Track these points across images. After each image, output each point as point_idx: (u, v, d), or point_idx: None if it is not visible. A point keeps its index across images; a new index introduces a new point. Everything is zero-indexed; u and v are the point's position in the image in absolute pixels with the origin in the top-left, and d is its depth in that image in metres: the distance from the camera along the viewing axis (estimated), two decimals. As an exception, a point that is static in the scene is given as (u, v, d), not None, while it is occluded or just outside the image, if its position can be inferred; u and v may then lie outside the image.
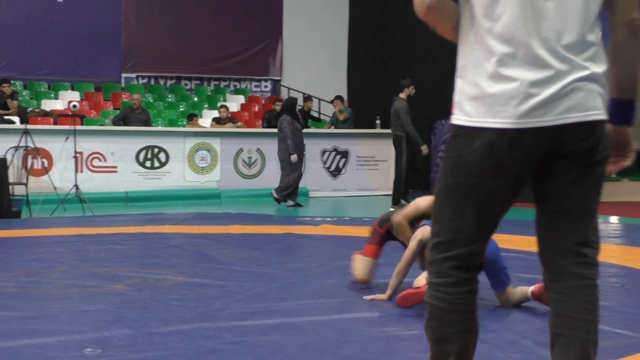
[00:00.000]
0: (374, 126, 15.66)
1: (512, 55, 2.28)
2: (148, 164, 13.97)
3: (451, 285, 2.42)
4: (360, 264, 5.35)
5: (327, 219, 10.38)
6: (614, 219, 11.38)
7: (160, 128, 15.37)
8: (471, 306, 2.45)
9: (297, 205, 12.78)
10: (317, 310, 4.70)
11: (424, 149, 12.42)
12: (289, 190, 12.77)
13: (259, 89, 19.66)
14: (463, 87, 2.38)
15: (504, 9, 2.30)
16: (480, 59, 2.33)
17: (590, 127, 2.32)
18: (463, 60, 2.40)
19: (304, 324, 4.34)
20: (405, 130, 12.23)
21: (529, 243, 7.74)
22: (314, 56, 19.53)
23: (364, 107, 17.37)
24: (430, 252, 2.48)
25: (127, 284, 5.51)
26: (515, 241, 7.64)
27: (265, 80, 19.70)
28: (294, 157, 12.51)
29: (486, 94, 2.31)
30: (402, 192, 12.42)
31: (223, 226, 9.28)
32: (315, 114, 18.58)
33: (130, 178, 13.79)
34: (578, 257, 2.42)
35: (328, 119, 17.21)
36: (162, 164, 14.09)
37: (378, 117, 15.98)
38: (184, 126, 15.58)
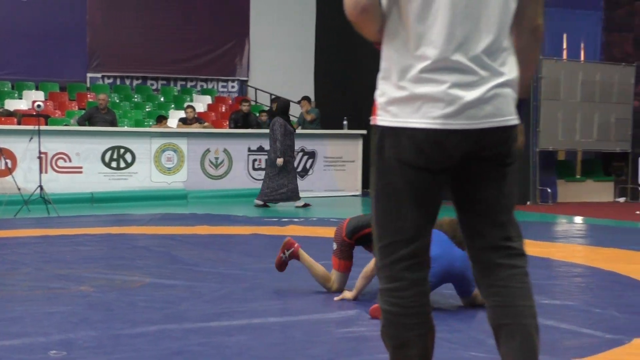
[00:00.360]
0: (341, 127, 15.68)
1: (440, 59, 2.34)
2: (114, 164, 13.87)
3: (404, 288, 2.44)
4: (336, 278, 5.29)
5: (294, 219, 10.39)
6: (578, 219, 11.52)
7: (126, 128, 15.27)
8: (426, 307, 2.48)
9: (306, 205, 12.72)
10: (284, 311, 4.71)
11: None
12: (275, 196, 12.57)
13: (225, 90, 19.62)
14: (388, 90, 2.41)
15: (436, 15, 2.35)
16: (409, 63, 2.37)
17: (507, 132, 2.44)
18: (388, 63, 2.43)
19: (271, 325, 4.34)
20: None
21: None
22: (281, 56, 19.53)
23: (331, 107, 17.38)
24: (377, 257, 2.50)
25: (93, 286, 5.47)
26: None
27: (232, 81, 19.67)
28: (279, 161, 12.33)
29: (413, 95, 2.36)
30: None
31: (190, 227, 9.25)
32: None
33: (96, 179, 13.67)
34: (504, 250, 2.50)
35: (295, 119, 17.22)
36: (128, 165, 13.99)
37: (345, 117, 16.00)
38: (150, 126, 15.49)
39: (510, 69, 2.44)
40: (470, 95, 2.35)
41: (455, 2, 2.35)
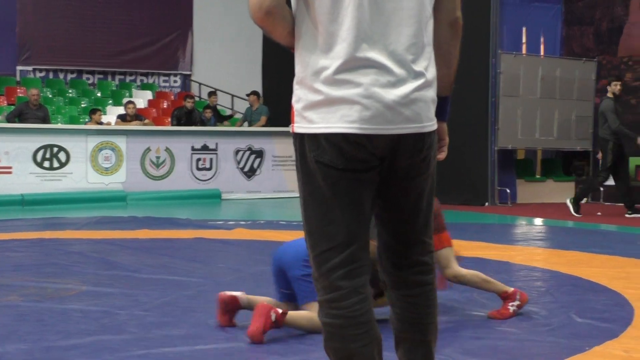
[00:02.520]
0: (288, 124, 15.68)
1: (353, 58, 2.35)
2: (47, 164, 13.69)
3: (343, 298, 2.43)
4: None
5: (241, 222, 10.37)
6: (538, 220, 11.67)
7: (60, 126, 15.10)
8: (369, 315, 2.47)
9: None
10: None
11: None
12: None
13: (167, 84, 19.51)
14: (303, 95, 2.44)
15: (347, 12, 2.36)
16: (323, 64, 2.38)
17: (425, 138, 2.46)
18: (301, 66, 2.44)
19: (215, 334, 4.32)
20: (613, 131, 11.86)
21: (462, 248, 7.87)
22: (227, 50, 19.48)
23: (280, 104, 17.33)
24: (312, 268, 2.51)
25: (23, 295, 5.39)
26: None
27: (175, 75, 19.57)
28: None
29: (329, 98, 2.37)
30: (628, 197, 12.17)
31: (129, 231, 9.18)
32: (229, 111, 18.53)
33: (27, 180, 13.49)
34: (418, 266, 2.60)
35: (241, 115, 17.18)
36: (62, 165, 13.83)
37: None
38: (85, 123, 15.32)
39: (431, 68, 2.47)
40: (388, 96, 2.37)
41: None
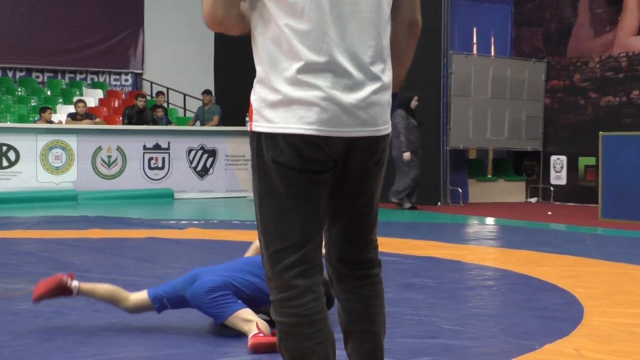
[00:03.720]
0: (243, 123, 15.66)
1: (314, 61, 2.38)
2: (-5, 163, 13.51)
3: (297, 296, 2.45)
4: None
5: (194, 222, 10.34)
6: (489, 220, 11.79)
7: (9, 124, 14.91)
8: (323, 314, 2.49)
9: (414, 207, 12.63)
10: (183, 319, 4.66)
11: None
12: (407, 192, 12.56)
13: (118, 83, 19.35)
14: (263, 94, 2.45)
15: (308, 13, 2.38)
16: (282, 65, 2.40)
17: (380, 141, 2.52)
18: (262, 67, 2.46)
19: (168, 335, 4.30)
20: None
21: (405, 246, 7.93)
22: (178, 48, 19.37)
23: (233, 102, 17.33)
24: (265, 267, 2.52)
25: (-27, 296, 5.32)
26: (390, 244, 7.80)
27: (126, 74, 19.41)
28: (406, 155, 12.31)
29: (288, 99, 2.40)
30: None
31: (80, 230, 9.10)
32: (181, 110, 18.45)
33: (-25, 179, 13.31)
34: (364, 263, 2.65)
35: (193, 114, 17.10)
36: (12, 163, 13.65)
37: (248, 113, 15.98)
38: (35, 122, 15.13)
39: (387, 72, 2.52)
40: (346, 100, 2.40)
41: None
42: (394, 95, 2.64)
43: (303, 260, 2.46)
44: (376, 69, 2.46)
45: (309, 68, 2.38)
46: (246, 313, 4.22)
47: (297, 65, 2.38)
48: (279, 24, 2.40)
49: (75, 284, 4.38)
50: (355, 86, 2.41)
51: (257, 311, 4.46)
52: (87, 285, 4.45)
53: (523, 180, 15.97)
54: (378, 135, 2.49)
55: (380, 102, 2.47)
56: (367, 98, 2.43)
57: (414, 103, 12.69)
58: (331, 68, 2.39)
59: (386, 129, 2.52)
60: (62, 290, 4.36)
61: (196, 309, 4.37)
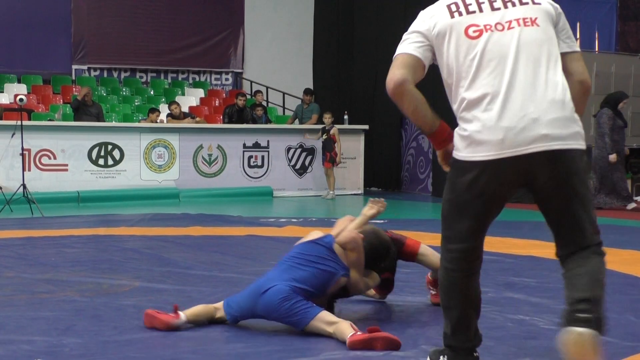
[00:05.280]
0: (341, 121, 15.68)
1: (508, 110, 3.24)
2: (101, 161, 13.87)
3: (453, 270, 3.39)
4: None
5: (293, 219, 10.39)
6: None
7: (114, 124, 15.26)
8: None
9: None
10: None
11: None
12: (627, 194, 12.43)
13: (219, 82, 19.60)
14: (469, 127, 3.24)
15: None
16: (472, 104, 3.26)
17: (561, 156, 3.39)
18: (465, 121, 3.28)
19: (268, 331, 4.34)
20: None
21: (505, 245, 7.81)
22: (278, 47, 19.50)
23: (331, 101, 17.37)
24: (442, 246, 3.45)
25: (79, 290, 5.47)
26: (492, 243, 7.69)
27: (226, 73, 19.64)
28: (612, 157, 12.03)
29: (489, 135, 3.22)
30: None
31: (182, 228, 9.25)
32: (280, 109, 18.59)
33: (82, 177, 13.68)
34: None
35: (291, 113, 17.20)
36: (117, 162, 13.99)
37: (346, 111, 15.99)
38: (139, 121, 15.47)
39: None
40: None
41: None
42: None
43: (465, 250, 3.40)
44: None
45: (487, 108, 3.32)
46: (326, 315, 4.24)
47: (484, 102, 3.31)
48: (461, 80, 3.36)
49: (182, 319, 4.35)
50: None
51: (329, 299, 4.54)
52: (189, 313, 4.43)
53: (629, 178, 15.54)
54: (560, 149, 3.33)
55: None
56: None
57: (622, 105, 12.25)
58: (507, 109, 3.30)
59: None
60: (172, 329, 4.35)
61: (274, 320, 4.33)
